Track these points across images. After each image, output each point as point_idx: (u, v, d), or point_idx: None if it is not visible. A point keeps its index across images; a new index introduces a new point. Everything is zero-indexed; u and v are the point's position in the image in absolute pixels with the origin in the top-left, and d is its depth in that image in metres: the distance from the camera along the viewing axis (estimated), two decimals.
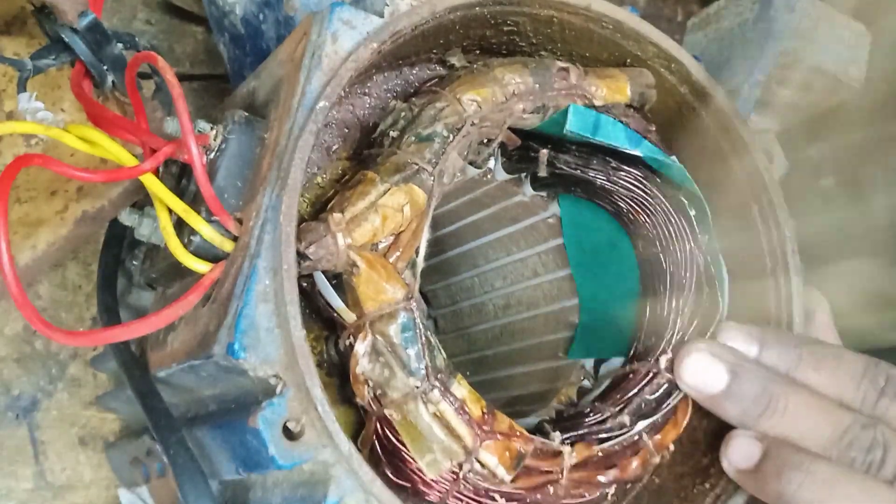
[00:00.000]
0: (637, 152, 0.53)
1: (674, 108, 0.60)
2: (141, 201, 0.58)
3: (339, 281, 0.48)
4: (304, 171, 0.46)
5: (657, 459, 0.54)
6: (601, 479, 0.52)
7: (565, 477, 0.50)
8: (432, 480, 0.48)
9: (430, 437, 0.47)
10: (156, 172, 0.49)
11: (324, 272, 0.49)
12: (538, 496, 0.50)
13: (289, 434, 0.44)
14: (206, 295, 0.48)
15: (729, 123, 0.58)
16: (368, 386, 0.47)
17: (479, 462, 0.48)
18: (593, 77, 0.56)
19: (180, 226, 0.48)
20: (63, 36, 0.51)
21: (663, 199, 0.55)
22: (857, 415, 0.49)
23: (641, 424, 0.53)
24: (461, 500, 0.49)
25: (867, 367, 0.50)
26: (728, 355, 0.51)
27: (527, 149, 0.57)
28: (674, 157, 0.55)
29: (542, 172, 0.58)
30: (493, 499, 0.49)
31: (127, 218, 0.53)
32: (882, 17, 0.73)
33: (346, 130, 0.55)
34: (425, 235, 0.50)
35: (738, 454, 0.51)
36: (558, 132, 0.53)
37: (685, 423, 0.54)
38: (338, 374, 0.51)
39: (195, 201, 0.50)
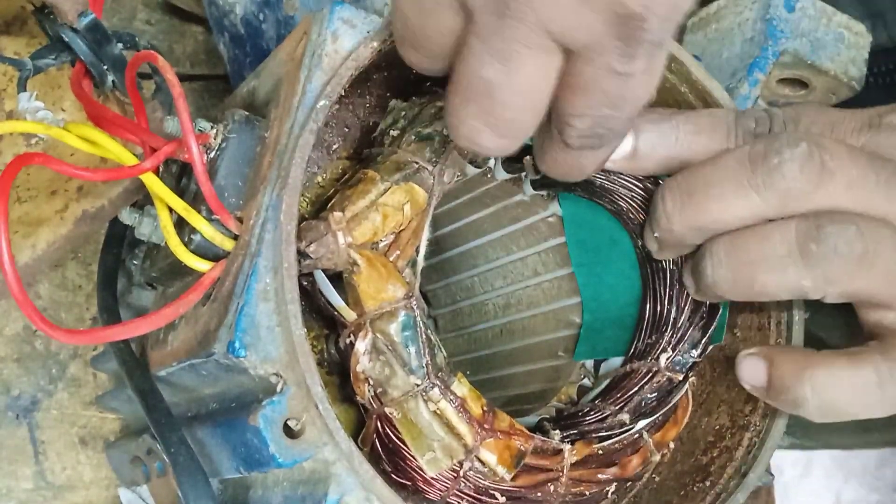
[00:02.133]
0: None
1: (674, 107, 0.60)
2: (141, 201, 0.58)
3: (340, 279, 0.49)
4: (305, 169, 0.46)
5: (657, 458, 0.54)
6: (601, 477, 0.52)
7: (565, 475, 0.50)
8: (432, 478, 0.48)
9: (430, 436, 0.47)
10: (156, 171, 0.49)
11: (324, 271, 0.49)
12: (538, 494, 0.50)
13: (289, 432, 0.44)
14: (207, 294, 0.48)
15: None
16: (369, 384, 0.47)
17: (479, 460, 0.48)
18: None
19: (181, 225, 0.48)
20: (63, 36, 0.51)
21: None
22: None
23: (642, 423, 0.53)
24: (461, 499, 0.49)
25: (737, 116, 0.51)
26: None
27: (527, 148, 0.57)
28: None
29: (532, 175, 0.58)
30: (494, 497, 0.49)
31: (127, 217, 0.53)
32: None
33: (347, 129, 0.55)
34: (426, 234, 0.50)
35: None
36: None
37: (685, 421, 0.54)
38: (338, 373, 0.51)
39: (195, 200, 0.50)
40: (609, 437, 0.52)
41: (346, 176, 0.52)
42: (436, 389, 0.47)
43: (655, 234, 0.52)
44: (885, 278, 0.47)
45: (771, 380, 0.51)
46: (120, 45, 0.53)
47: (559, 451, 0.50)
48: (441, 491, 0.48)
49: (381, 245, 0.49)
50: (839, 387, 0.49)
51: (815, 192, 0.47)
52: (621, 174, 0.55)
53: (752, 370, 0.52)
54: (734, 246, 0.49)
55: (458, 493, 0.49)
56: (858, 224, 0.46)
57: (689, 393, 0.54)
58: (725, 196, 0.48)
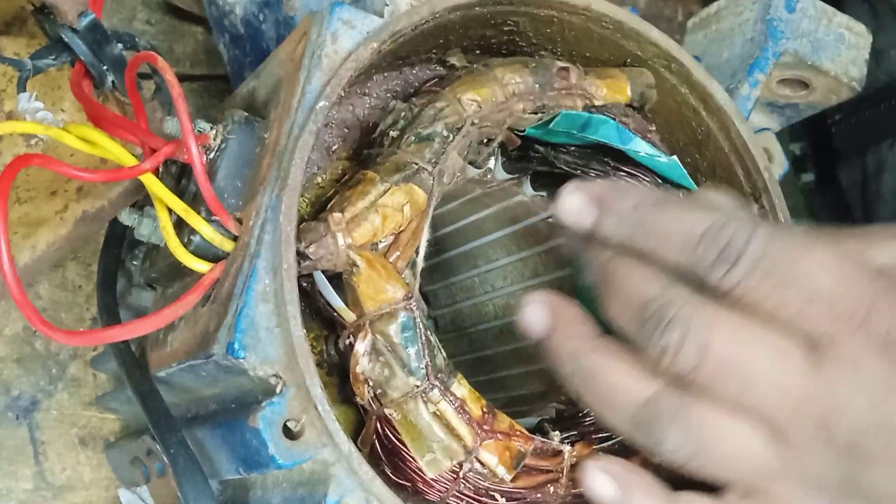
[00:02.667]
0: (629, 148, 0.53)
1: (674, 108, 0.60)
2: (141, 201, 0.58)
3: (339, 280, 0.48)
4: (304, 170, 0.46)
5: (658, 459, 0.53)
6: None
7: (565, 476, 0.50)
8: (432, 480, 0.48)
9: (430, 437, 0.47)
10: (155, 172, 0.49)
11: (324, 272, 0.49)
12: (538, 495, 0.50)
13: (289, 433, 0.44)
14: (206, 294, 0.48)
15: (729, 123, 0.58)
16: (368, 385, 0.47)
17: (479, 461, 0.48)
18: (593, 77, 0.56)
19: (180, 225, 0.48)
20: (63, 36, 0.51)
21: None
22: (665, 290, 0.44)
23: None
24: (461, 500, 0.49)
25: (710, 227, 0.43)
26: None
27: (527, 149, 0.57)
28: (674, 157, 0.55)
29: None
30: (494, 498, 0.49)
31: (127, 218, 0.53)
32: None
33: (346, 130, 0.55)
34: (425, 235, 0.50)
35: (527, 318, 0.49)
36: (548, 136, 0.54)
37: None
38: (338, 374, 0.51)
39: (195, 201, 0.50)
40: (609, 439, 0.52)
41: (346, 177, 0.52)
42: (435, 390, 0.47)
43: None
44: None
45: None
46: (120, 46, 0.53)
47: (559, 453, 0.50)
48: (441, 492, 0.48)
49: (381, 246, 0.49)
50: None
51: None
52: (621, 174, 0.55)
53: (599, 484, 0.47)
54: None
55: (457, 494, 0.48)
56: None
57: None
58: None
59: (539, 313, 0.48)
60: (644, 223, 0.45)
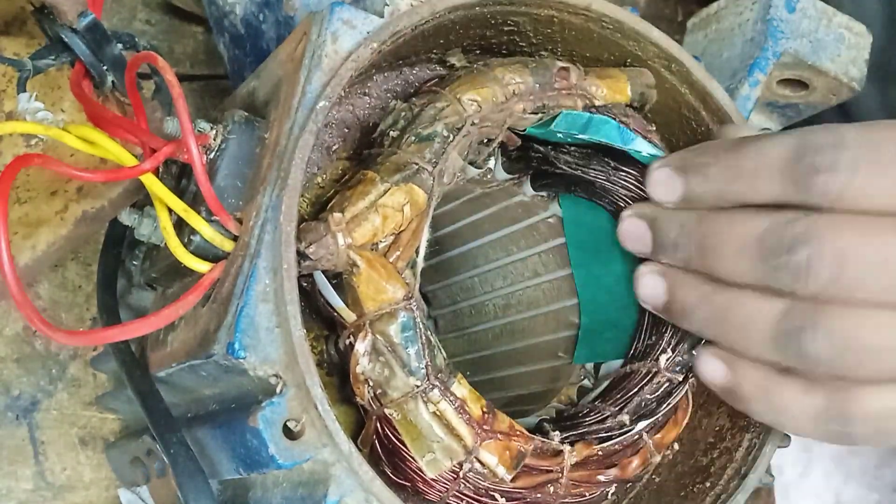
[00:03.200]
0: (631, 148, 0.53)
1: (674, 108, 0.60)
2: (141, 201, 0.58)
3: (339, 280, 0.48)
4: (304, 170, 0.46)
5: (657, 458, 0.54)
6: (601, 478, 0.52)
7: (565, 476, 0.50)
8: (432, 479, 0.48)
9: (430, 437, 0.47)
10: (156, 172, 0.49)
11: (324, 272, 0.49)
12: (538, 495, 0.50)
13: (289, 433, 0.44)
14: (207, 295, 0.48)
15: (729, 123, 0.58)
16: (368, 385, 0.47)
17: (479, 461, 0.48)
18: (594, 77, 0.56)
19: (180, 226, 0.48)
20: (63, 36, 0.51)
21: None
22: (774, 216, 0.44)
23: (641, 424, 0.53)
24: (461, 500, 0.49)
25: (797, 145, 0.43)
26: (645, 209, 0.51)
27: (527, 149, 0.57)
28: None
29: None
30: (494, 498, 0.49)
31: (127, 218, 0.53)
32: None
33: (347, 130, 0.55)
34: (425, 235, 0.50)
35: (645, 291, 0.50)
36: (548, 136, 0.54)
37: (685, 422, 0.54)
38: (338, 374, 0.51)
39: (195, 201, 0.50)
40: (609, 439, 0.52)
41: (346, 177, 0.52)
42: (435, 390, 0.47)
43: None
44: None
45: (733, 388, 0.48)
46: (119, 46, 0.53)
47: (559, 453, 0.50)
48: (441, 492, 0.48)
49: (381, 246, 0.49)
50: (790, 412, 0.46)
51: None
52: (621, 174, 0.55)
53: (711, 369, 0.49)
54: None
55: (457, 494, 0.49)
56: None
57: (689, 394, 0.54)
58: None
59: (655, 281, 0.49)
60: (728, 168, 0.46)
